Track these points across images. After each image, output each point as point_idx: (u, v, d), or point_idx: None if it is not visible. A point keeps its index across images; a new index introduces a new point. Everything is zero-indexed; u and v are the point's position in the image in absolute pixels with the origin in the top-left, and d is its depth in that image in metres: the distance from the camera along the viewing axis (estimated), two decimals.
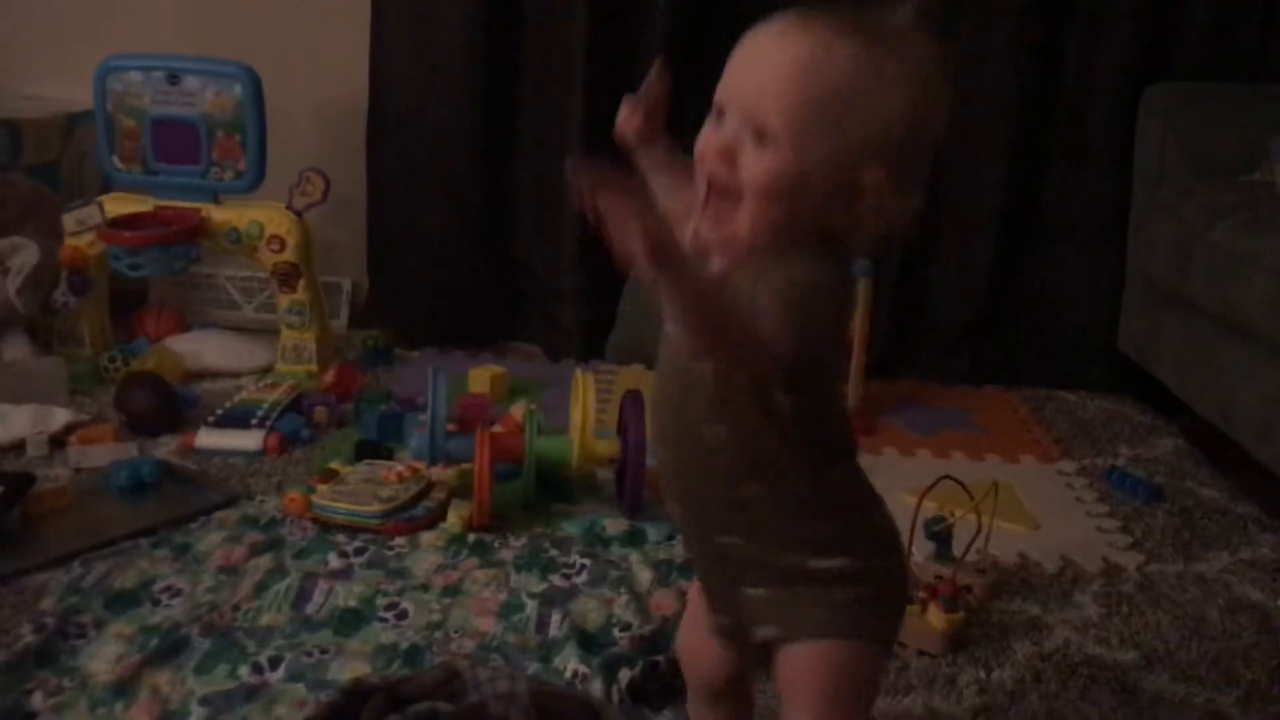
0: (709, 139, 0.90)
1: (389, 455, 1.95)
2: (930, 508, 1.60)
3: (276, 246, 2.34)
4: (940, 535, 1.61)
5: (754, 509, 0.96)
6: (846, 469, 0.99)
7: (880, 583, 0.98)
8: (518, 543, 1.73)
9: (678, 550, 1.72)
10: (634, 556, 1.69)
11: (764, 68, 0.88)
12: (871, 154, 0.87)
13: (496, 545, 1.72)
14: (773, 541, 0.96)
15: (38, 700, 1.29)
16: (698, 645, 1.10)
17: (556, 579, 1.62)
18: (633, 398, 1.83)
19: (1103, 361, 2.53)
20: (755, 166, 0.87)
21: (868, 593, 0.96)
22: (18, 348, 2.32)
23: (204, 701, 1.31)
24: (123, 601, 1.51)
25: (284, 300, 2.40)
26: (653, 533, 1.77)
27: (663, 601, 1.56)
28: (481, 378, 2.34)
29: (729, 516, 0.97)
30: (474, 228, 2.75)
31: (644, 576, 1.63)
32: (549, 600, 1.56)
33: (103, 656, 1.38)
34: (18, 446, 1.98)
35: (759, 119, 0.87)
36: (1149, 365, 2.33)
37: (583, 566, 1.65)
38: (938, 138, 0.91)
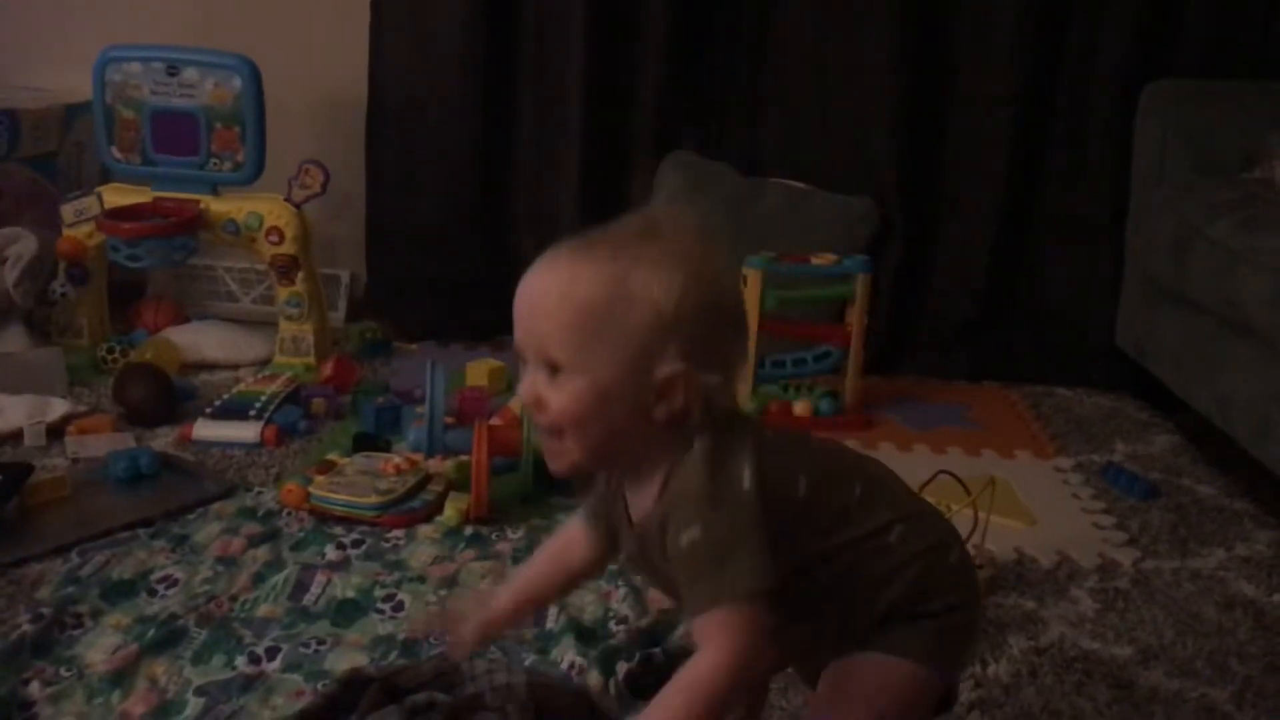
0: (522, 389, 0.94)
1: (387, 447, 1.95)
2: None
3: (275, 238, 2.34)
4: None
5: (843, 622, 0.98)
6: (906, 532, 0.98)
7: (957, 619, 0.99)
8: (515, 535, 1.73)
9: None
10: None
11: (531, 306, 0.93)
12: (655, 347, 0.89)
13: (494, 538, 1.72)
14: (861, 626, 0.98)
15: (35, 690, 1.29)
16: None
17: None
18: None
19: (1100, 358, 2.54)
20: (556, 400, 0.91)
21: (946, 626, 0.98)
22: (15, 338, 2.32)
23: (201, 691, 1.31)
24: (120, 592, 1.51)
25: (282, 292, 2.40)
26: None
27: (659, 595, 1.56)
28: (479, 371, 2.34)
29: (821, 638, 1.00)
30: (472, 221, 2.75)
31: None
32: None
33: (100, 646, 1.38)
34: (15, 437, 1.98)
35: (544, 355, 0.91)
36: (1146, 362, 2.34)
37: None
38: (727, 301, 0.94)
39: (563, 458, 0.95)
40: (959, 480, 1.55)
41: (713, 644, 0.87)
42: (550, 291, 0.91)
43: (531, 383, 0.93)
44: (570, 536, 1.09)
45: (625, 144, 2.69)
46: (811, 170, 2.61)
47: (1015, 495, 1.90)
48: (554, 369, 0.91)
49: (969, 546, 1.56)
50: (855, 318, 2.20)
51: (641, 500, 0.96)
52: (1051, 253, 2.64)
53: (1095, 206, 2.58)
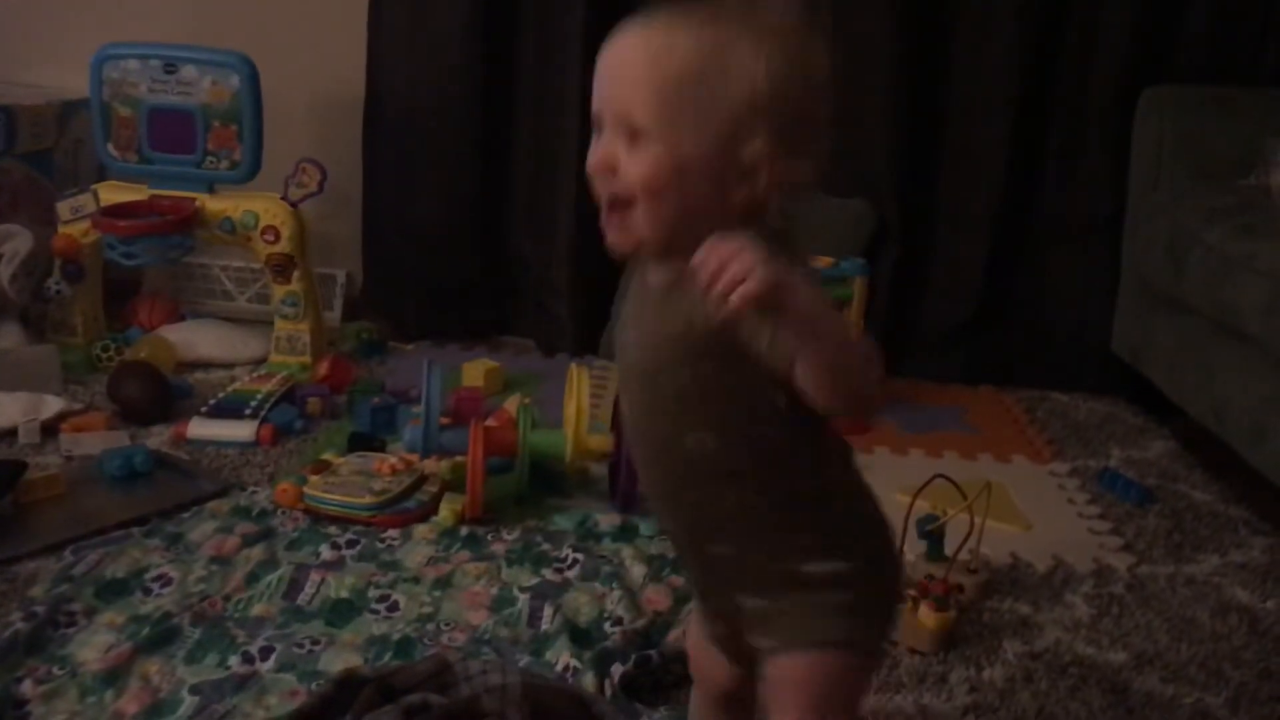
0: (591, 154, 0.91)
1: (382, 447, 1.95)
2: (923, 507, 1.61)
3: (271, 237, 2.34)
4: (932, 535, 1.61)
5: (745, 517, 0.95)
6: (841, 463, 0.98)
7: (873, 586, 0.97)
8: (510, 536, 1.73)
9: (669, 545, 1.71)
10: (626, 551, 1.68)
11: (618, 69, 0.89)
12: (745, 124, 0.86)
13: (489, 538, 1.72)
14: (765, 549, 0.95)
15: (28, 688, 1.28)
16: (703, 651, 1.10)
17: (548, 573, 1.62)
18: None
19: (1096, 363, 2.54)
20: (634, 167, 0.87)
21: (860, 598, 0.95)
22: (10, 335, 2.31)
23: (194, 690, 1.30)
24: (114, 590, 1.50)
25: (278, 291, 2.39)
26: (645, 528, 1.77)
27: (655, 596, 1.56)
28: (475, 371, 2.34)
29: (718, 526, 0.96)
30: (469, 221, 2.75)
31: (636, 571, 1.62)
32: (541, 594, 1.55)
33: (93, 645, 1.38)
34: (10, 434, 1.98)
35: (626, 120, 0.88)
36: (1142, 367, 2.34)
37: (575, 561, 1.65)
38: (822, 90, 0.90)
39: (627, 232, 0.90)
40: (955, 485, 1.55)
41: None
42: (642, 53, 0.88)
43: (607, 147, 0.89)
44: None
45: None
46: None
47: (1011, 500, 1.90)
48: (634, 136, 0.87)
49: (965, 551, 1.57)
50: (852, 319, 2.20)
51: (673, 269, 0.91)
52: (1048, 257, 2.63)
53: (1092, 211, 2.58)
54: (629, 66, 0.88)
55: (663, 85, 0.86)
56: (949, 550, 1.61)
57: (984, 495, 1.57)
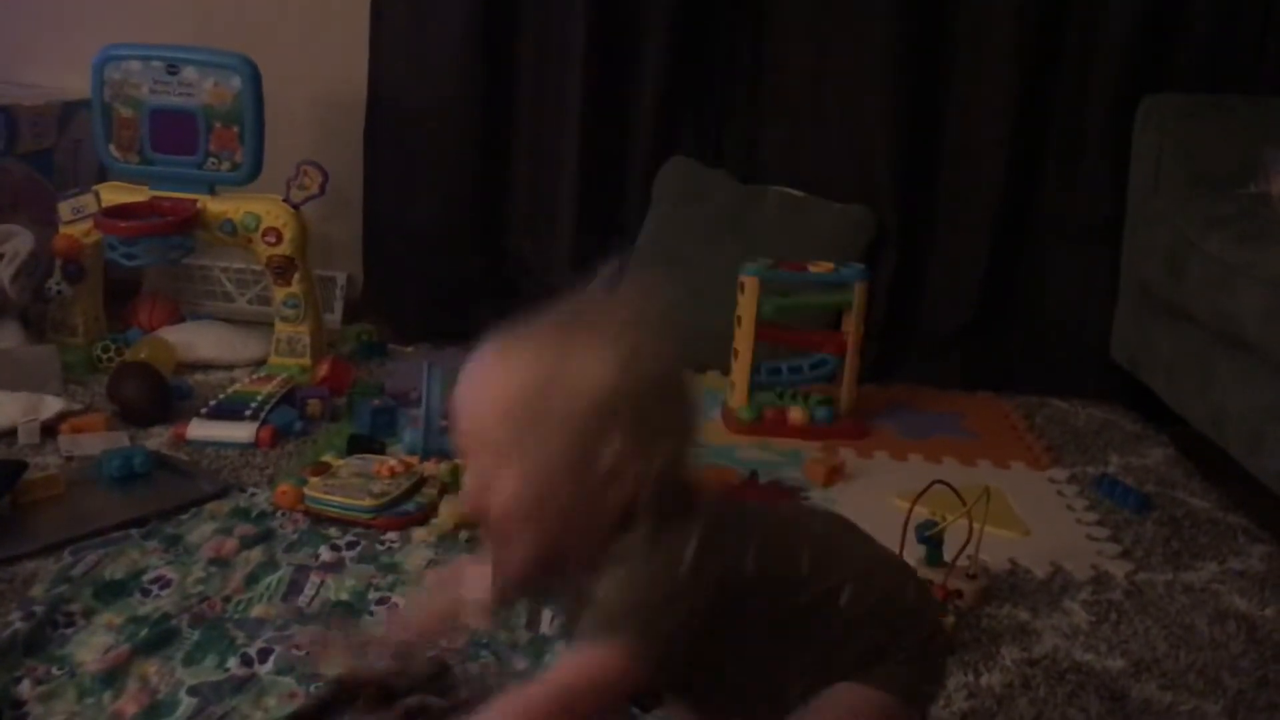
0: (462, 497, 0.95)
1: (381, 450, 1.95)
2: (921, 512, 1.61)
3: (272, 239, 2.34)
4: (931, 540, 1.61)
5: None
6: (858, 590, 0.98)
7: (923, 651, 1.00)
8: None
9: None
10: None
11: (467, 405, 0.91)
12: (596, 431, 0.87)
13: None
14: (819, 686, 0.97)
15: (26, 688, 1.28)
16: None
17: None
18: None
19: (1095, 369, 2.54)
20: (498, 500, 0.89)
21: (915, 657, 0.99)
22: (10, 335, 2.31)
23: (193, 692, 1.30)
24: (112, 591, 1.50)
25: (279, 293, 2.40)
26: None
27: None
28: None
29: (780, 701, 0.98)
30: (469, 223, 2.75)
31: None
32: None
33: (92, 646, 1.38)
34: (9, 434, 1.98)
35: (482, 455, 0.90)
36: (1141, 374, 2.34)
37: None
38: (668, 375, 0.92)
39: (511, 568, 0.92)
40: (954, 490, 1.55)
41: (552, 673, 0.87)
42: (482, 390, 0.90)
43: (473, 491, 0.91)
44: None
45: (624, 149, 2.69)
46: (809, 178, 2.62)
47: (1010, 506, 1.90)
48: (494, 468, 0.89)
49: (963, 557, 1.57)
50: (852, 326, 2.21)
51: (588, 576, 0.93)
52: (1047, 263, 2.64)
53: (1091, 218, 2.59)
54: (473, 402, 0.90)
55: (506, 416, 0.88)
56: (948, 556, 1.61)
57: (982, 501, 1.57)
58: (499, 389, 0.89)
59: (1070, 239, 2.62)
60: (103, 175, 2.55)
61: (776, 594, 0.94)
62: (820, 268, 2.20)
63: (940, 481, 1.54)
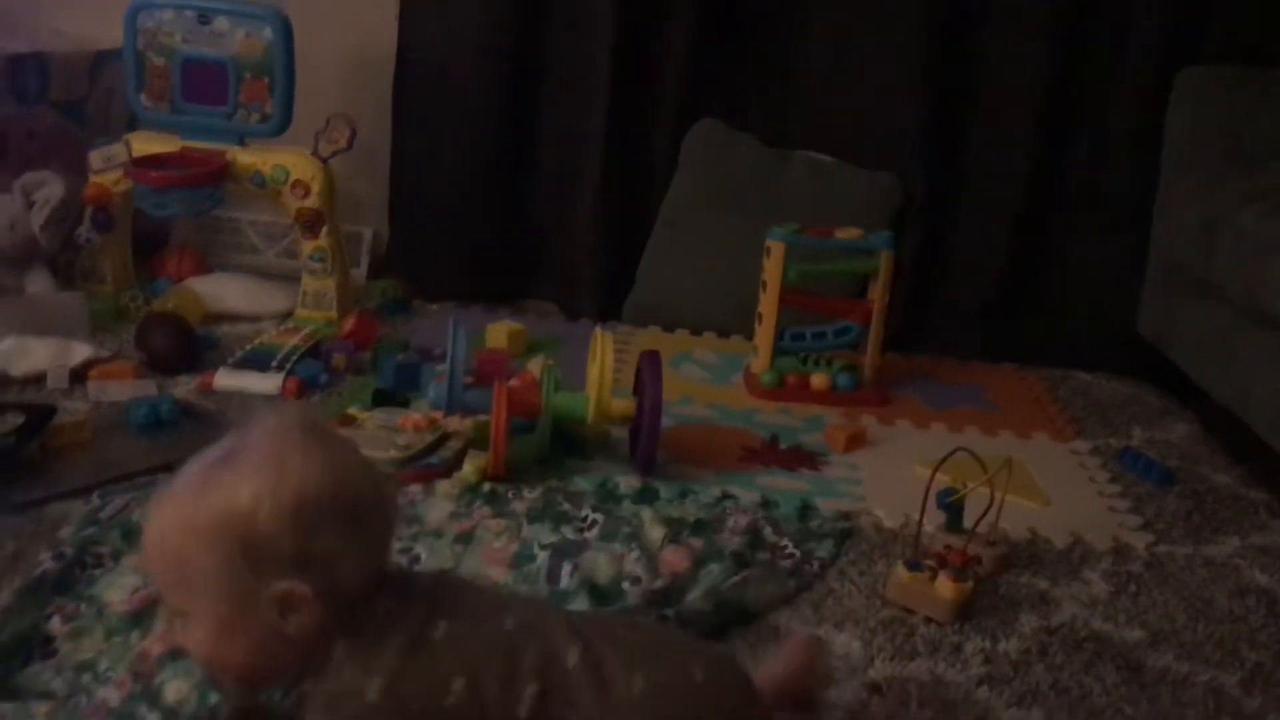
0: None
1: (406, 404, 1.96)
2: (943, 480, 1.61)
3: (301, 192, 2.34)
4: (952, 506, 1.62)
5: None
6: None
7: None
8: (531, 495, 1.74)
9: (689, 508, 1.73)
10: (645, 514, 1.69)
11: (144, 557, 0.96)
12: (252, 572, 0.88)
13: (510, 496, 1.73)
14: None
15: (55, 625, 1.31)
16: None
17: (568, 531, 1.63)
18: (650, 357, 1.83)
19: (1121, 344, 2.53)
20: (191, 642, 0.94)
21: None
22: (40, 282, 2.33)
23: None
24: (140, 534, 1.52)
25: (306, 246, 2.40)
26: (665, 491, 1.78)
27: (673, 559, 1.56)
28: (499, 333, 2.35)
29: None
30: (495, 183, 2.75)
31: (655, 534, 1.63)
32: (560, 552, 1.57)
33: (119, 586, 1.40)
34: (38, 379, 2.00)
35: (166, 593, 0.96)
36: (1167, 349, 2.33)
37: (594, 521, 1.66)
38: (326, 494, 0.91)
39: (227, 679, 0.99)
40: (976, 458, 1.55)
41: None
42: (149, 542, 0.94)
43: (174, 633, 0.97)
44: None
45: (651, 112, 2.67)
46: (837, 143, 2.60)
47: (1031, 476, 1.90)
48: (177, 607, 0.94)
49: (983, 525, 1.58)
50: (878, 294, 2.20)
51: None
52: (1076, 236, 2.62)
53: (1122, 191, 2.56)
54: (146, 553, 0.94)
55: (166, 568, 0.92)
56: (968, 523, 1.61)
57: (1004, 469, 1.57)
58: (158, 544, 0.92)
59: (1099, 214, 2.60)
60: (133, 125, 2.55)
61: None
62: (847, 234, 2.19)
63: (963, 448, 1.54)
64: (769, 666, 1.08)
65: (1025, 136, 2.56)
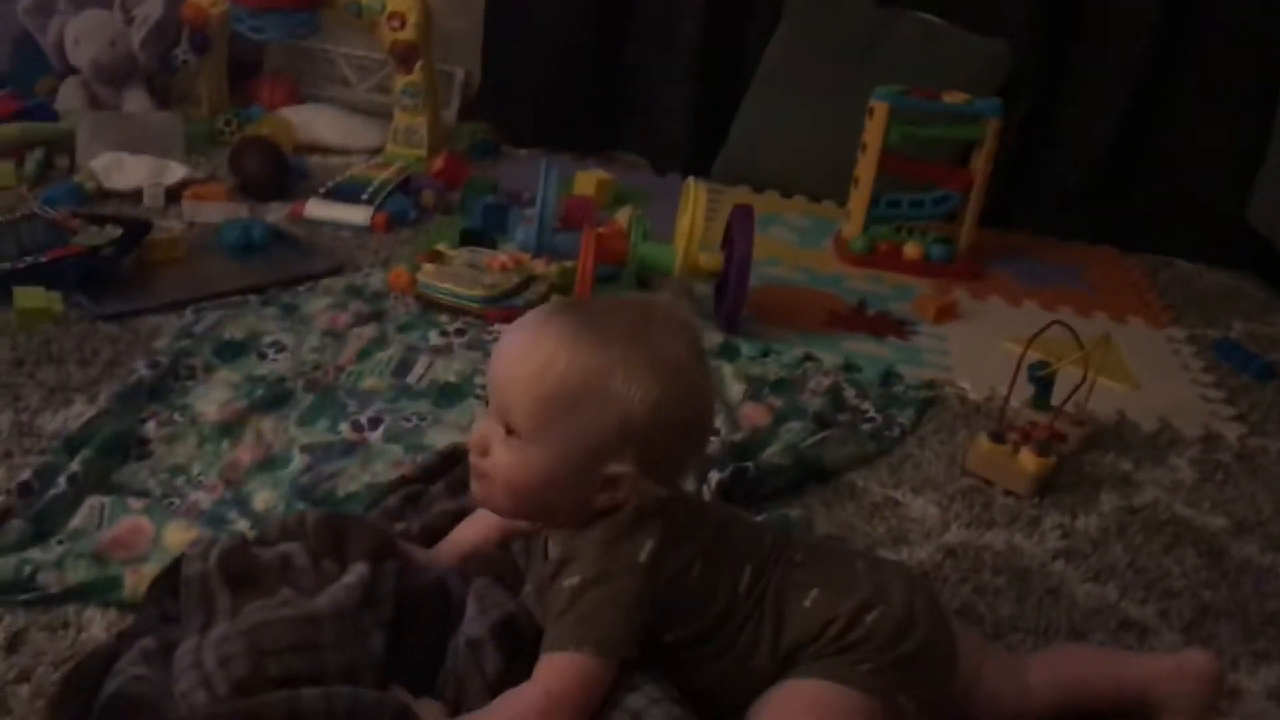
0: (474, 430, 0.97)
1: (493, 245, 1.96)
2: (1034, 355, 1.57)
3: (397, 23, 2.31)
4: (1043, 380, 1.58)
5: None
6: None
7: (898, 664, 0.96)
8: None
9: (770, 367, 1.72)
10: (726, 369, 1.69)
11: (508, 367, 0.93)
12: (613, 447, 0.90)
13: None
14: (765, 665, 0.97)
15: (151, 429, 1.35)
16: None
17: None
18: (742, 212, 1.79)
19: (1228, 234, 2.42)
20: (504, 460, 0.93)
21: (886, 667, 0.95)
22: (138, 100, 2.35)
23: (305, 449, 1.35)
24: (231, 350, 1.55)
25: (399, 81, 2.38)
26: (746, 348, 1.76)
27: (752, 414, 1.56)
28: (588, 181, 2.33)
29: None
30: (591, 28, 2.68)
31: (735, 389, 1.63)
32: None
33: (211, 398, 1.43)
34: (134, 195, 2.03)
35: (505, 417, 0.92)
36: (1278, 240, 2.23)
37: None
38: (693, 428, 0.95)
39: (488, 500, 0.98)
40: (1073, 332, 1.51)
41: (538, 681, 0.88)
42: (527, 364, 0.91)
43: (484, 431, 0.95)
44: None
45: None
46: (948, 5, 2.49)
47: (1123, 359, 1.86)
48: (510, 430, 0.92)
49: (1071, 404, 1.54)
50: (981, 163, 2.12)
51: (556, 544, 0.98)
52: (1190, 119, 2.49)
53: (1245, 74, 2.43)
54: (516, 367, 0.92)
55: (542, 397, 0.90)
56: (1056, 400, 1.58)
57: (1102, 346, 1.53)
58: (545, 372, 0.90)
59: (1220, 97, 2.47)
60: None
61: (709, 604, 0.95)
62: (955, 98, 2.11)
63: (1059, 321, 1.50)
64: (1156, 662, 1.07)
65: (1147, 11, 2.42)
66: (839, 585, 0.97)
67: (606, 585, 0.90)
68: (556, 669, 0.88)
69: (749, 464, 1.38)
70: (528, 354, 0.92)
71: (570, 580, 0.91)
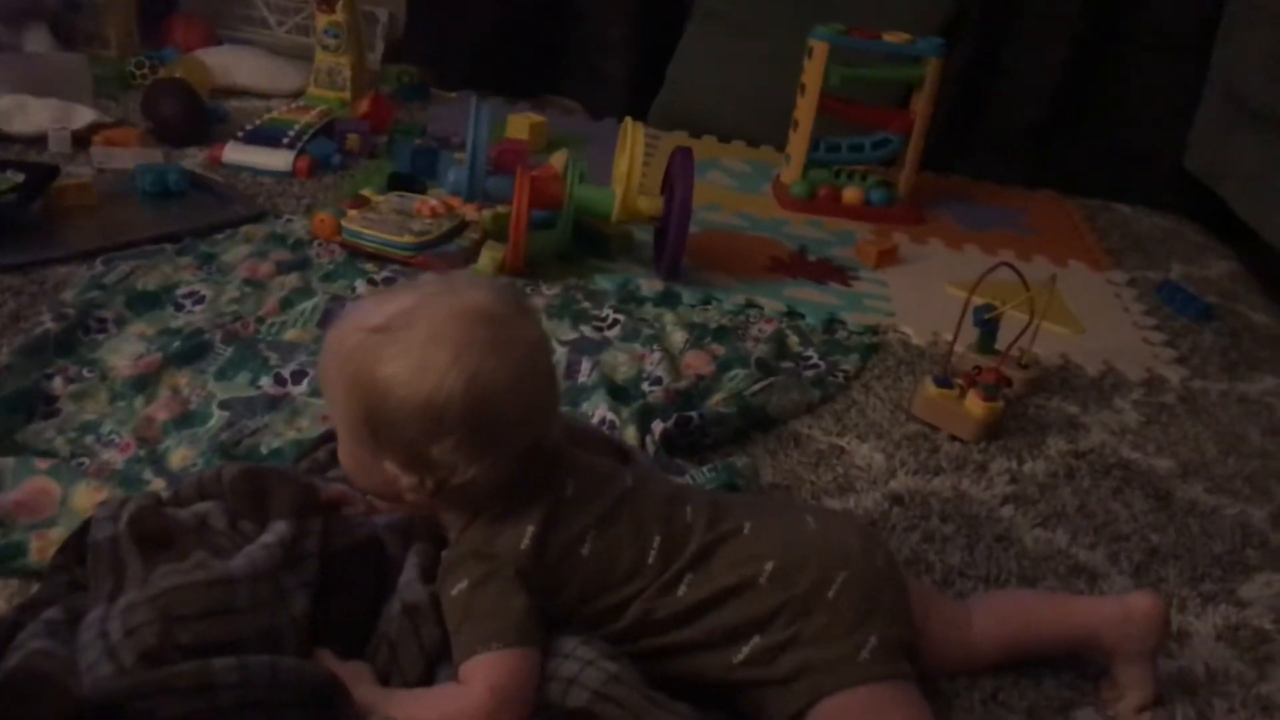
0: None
1: (422, 190, 1.88)
2: (977, 300, 1.54)
3: None
4: (989, 324, 1.55)
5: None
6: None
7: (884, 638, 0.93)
8: (550, 291, 1.68)
9: (712, 314, 1.67)
10: (667, 317, 1.64)
11: (321, 365, 0.93)
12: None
13: (529, 291, 1.67)
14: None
15: (58, 385, 1.26)
16: None
17: (587, 330, 1.58)
18: (682, 154, 1.74)
19: (1165, 178, 2.42)
20: (341, 457, 0.95)
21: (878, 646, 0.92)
22: (40, 40, 2.22)
23: (224, 405, 1.28)
24: (145, 302, 1.47)
25: (321, 20, 2.28)
26: (687, 296, 1.72)
27: (695, 361, 1.52)
28: (520, 125, 2.25)
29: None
30: None
31: (677, 336, 1.58)
32: (579, 349, 1.52)
33: (123, 352, 1.36)
34: (39, 141, 1.92)
35: (338, 422, 0.92)
36: (1215, 185, 2.23)
37: (615, 321, 1.61)
38: (502, 392, 0.87)
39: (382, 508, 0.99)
40: (1019, 274, 1.48)
41: (473, 685, 0.84)
42: (329, 354, 0.90)
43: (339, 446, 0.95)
44: None
45: None
46: None
47: (1065, 303, 1.84)
48: (345, 440, 0.92)
49: (1016, 349, 1.52)
50: (921, 105, 2.09)
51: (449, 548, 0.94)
52: (1131, 64, 2.47)
53: (1182, 20, 2.41)
54: (326, 366, 0.91)
55: (337, 393, 0.89)
56: (1001, 345, 1.55)
57: (1047, 289, 1.50)
58: (338, 366, 0.89)
59: (1157, 44, 2.45)
60: None
61: (612, 579, 0.91)
62: (895, 38, 2.06)
63: (1006, 263, 1.47)
64: (1102, 606, 1.03)
65: None
66: (795, 557, 0.93)
67: (492, 582, 0.87)
68: (488, 668, 0.84)
69: (693, 413, 1.34)
70: (334, 350, 0.90)
71: (459, 587, 0.87)
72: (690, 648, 0.91)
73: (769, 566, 0.92)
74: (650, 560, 0.91)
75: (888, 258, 1.95)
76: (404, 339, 0.86)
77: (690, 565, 0.92)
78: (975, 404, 1.43)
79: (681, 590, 0.91)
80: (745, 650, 0.91)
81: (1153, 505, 1.35)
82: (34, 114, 1.93)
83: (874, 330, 1.69)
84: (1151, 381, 1.66)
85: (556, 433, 0.95)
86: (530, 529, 0.89)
